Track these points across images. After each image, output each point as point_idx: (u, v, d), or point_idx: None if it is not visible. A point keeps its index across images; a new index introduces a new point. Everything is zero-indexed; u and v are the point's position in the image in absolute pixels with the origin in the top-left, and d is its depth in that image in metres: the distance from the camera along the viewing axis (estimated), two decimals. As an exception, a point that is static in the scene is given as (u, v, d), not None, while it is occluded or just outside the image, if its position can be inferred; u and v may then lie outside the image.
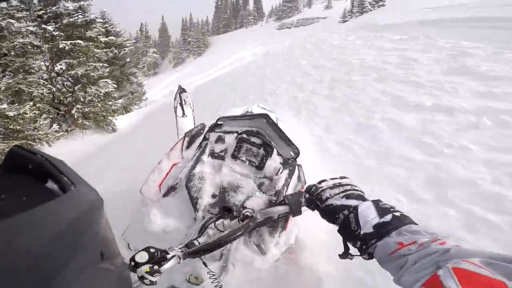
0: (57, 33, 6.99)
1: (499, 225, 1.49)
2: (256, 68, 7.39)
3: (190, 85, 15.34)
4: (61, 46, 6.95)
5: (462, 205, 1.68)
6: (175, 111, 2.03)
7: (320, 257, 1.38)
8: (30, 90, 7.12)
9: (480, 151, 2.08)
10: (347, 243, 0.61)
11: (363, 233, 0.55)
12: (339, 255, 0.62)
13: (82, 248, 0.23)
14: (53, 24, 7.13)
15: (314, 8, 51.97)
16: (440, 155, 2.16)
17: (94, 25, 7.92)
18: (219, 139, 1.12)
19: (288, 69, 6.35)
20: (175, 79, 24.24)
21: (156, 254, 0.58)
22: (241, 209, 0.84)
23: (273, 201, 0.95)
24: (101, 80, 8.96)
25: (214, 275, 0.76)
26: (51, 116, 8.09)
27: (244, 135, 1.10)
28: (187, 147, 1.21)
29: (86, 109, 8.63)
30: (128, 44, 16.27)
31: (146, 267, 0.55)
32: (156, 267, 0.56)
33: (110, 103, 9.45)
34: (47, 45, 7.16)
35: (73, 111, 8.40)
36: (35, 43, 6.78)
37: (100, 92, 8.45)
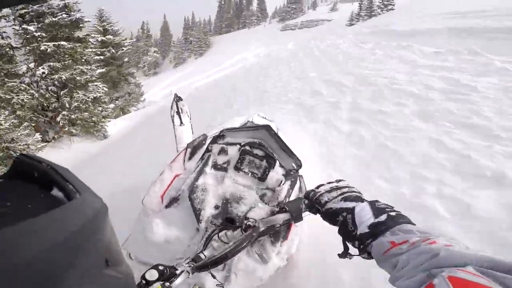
0: (38, 33, 6.28)
1: None
2: (256, 81, 6.38)
3: (191, 85, 14.81)
4: (42, 48, 6.24)
5: None
6: (173, 120, 2.05)
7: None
8: (8, 97, 6.45)
9: None
10: (347, 243, 0.63)
11: (359, 233, 0.57)
12: (338, 254, 0.65)
13: (87, 255, 0.24)
14: (35, 24, 6.41)
15: (319, 10, 51.47)
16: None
17: (81, 25, 7.20)
18: (222, 151, 1.13)
19: (293, 82, 5.22)
20: (176, 79, 23.86)
21: (165, 271, 0.59)
22: (244, 219, 0.87)
23: (275, 212, 0.95)
24: (90, 84, 8.28)
25: (222, 287, 0.81)
26: (33, 125, 7.41)
27: (247, 147, 1.11)
28: (189, 158, 1.23)
29: (73, 116, 7.96)
30: (126, 44, 15.68)
31: (157, 285, 0.55)
32: (167, 284, 0.57)
33: (100, 108, 8.77)
34: (28, 47, 6.47)
35: (58, 118, 7.72)
36: (14, 45, 6.11)
37: (88, 98, 7.77)
